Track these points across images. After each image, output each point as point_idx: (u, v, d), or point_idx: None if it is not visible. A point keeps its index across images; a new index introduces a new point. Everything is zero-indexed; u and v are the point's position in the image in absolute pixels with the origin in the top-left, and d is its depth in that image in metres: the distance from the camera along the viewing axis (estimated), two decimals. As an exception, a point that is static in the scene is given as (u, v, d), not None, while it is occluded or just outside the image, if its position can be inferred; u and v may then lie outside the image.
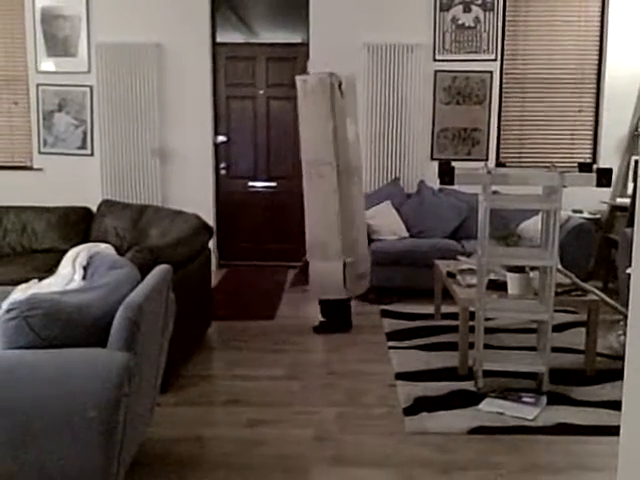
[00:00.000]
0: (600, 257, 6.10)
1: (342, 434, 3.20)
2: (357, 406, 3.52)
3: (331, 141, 4.56)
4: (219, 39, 6.75)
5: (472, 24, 6.45)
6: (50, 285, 2.67)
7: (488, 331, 4.55)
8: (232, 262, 6.95)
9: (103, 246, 2.94)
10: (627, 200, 6.08)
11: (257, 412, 3.43)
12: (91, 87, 6.65)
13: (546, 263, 3.55)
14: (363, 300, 5.61)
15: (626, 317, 4.34)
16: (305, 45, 6.63)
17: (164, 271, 2.72)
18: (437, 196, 6.25)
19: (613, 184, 6.18)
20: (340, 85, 4.60)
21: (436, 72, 6.51)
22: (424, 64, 6.44)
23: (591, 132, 6.64)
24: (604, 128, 6.53)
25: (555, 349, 4.07)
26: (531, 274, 4.00)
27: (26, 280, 2.99)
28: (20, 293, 2.68)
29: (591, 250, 5.57)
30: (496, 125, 6.60)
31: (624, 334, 4.32)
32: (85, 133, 6.75)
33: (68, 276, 2.69)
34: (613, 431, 3.17)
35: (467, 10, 6.44)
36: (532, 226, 5.64)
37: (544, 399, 3.53)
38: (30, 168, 6.81)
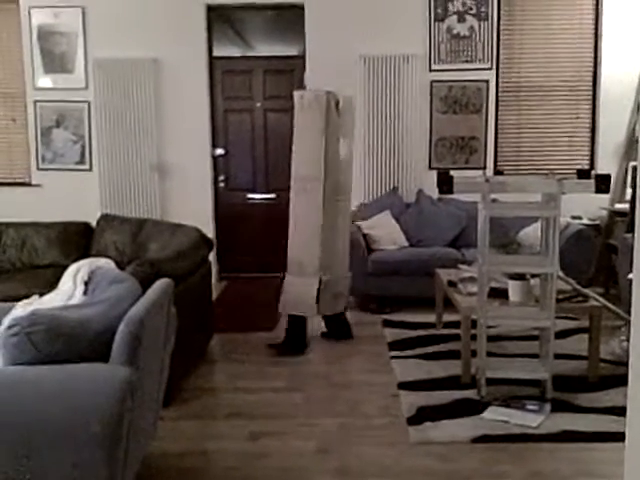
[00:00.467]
0: (600, 263, 6.10)
1: (345, 445, 3.19)
2: (360, 417, 3.51)
3: (321, 158, 4.55)
4: (216, 53, 6.79)
5: (467, 34, 6.49)
6: (51, 301, 2.67)
7: (490, 339, 4.54)
8: (232, 274, 6.94)
9: (104, 261, 2.94)
10: (626, 206, 6.09)
11: (260, 425, 3.42)
12: (89, 103, 6.67)
13: (547, 270, 3.55)
14: (364, 310, 5.61)
15: (628, 323, 4.34)
16: (301, 57, 6.66)
17: (165, 285, 2.71)
18: (436, 205, 6.26)
19: (611, 190, 6.19)
20: (337, 104, 4.61)
21: (432, 82, 6.54)
22: (420, 74, 6.47)
23: (588, 138, 6.66)
24: (601, 134, 6.55)
25: (558, 356, 4.06)
26: (532, 281, 4.00)
27: (27, 296, 2.98)
28: (21, 309, 2.68)
29: (591, 256, 5.57)
30: (493, 133, 6.62)
31: (626, 340, 4.31)
32: (83, 148, 6.76)
33: (69, 291, 2.68)
34: (618, 437, 3.15)
35: (462, 20, 6.48)
36: (532, 233, 5.65)
37: (548, 406, 3.51)
38: (29, 184, 6.82)
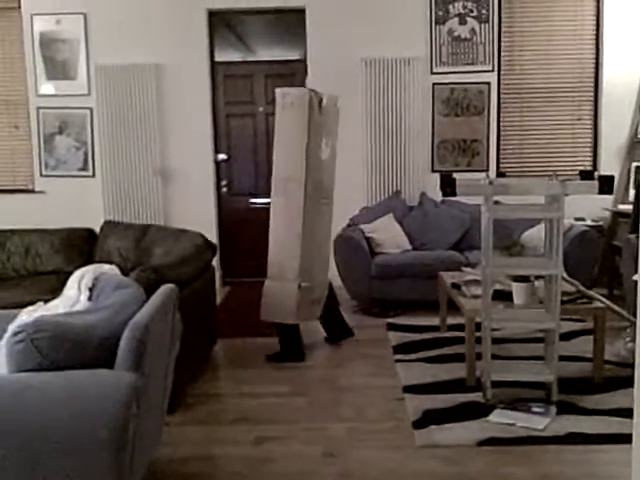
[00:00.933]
0: (604, 264, 6.09)
1: (351, 449, 3.18)
2: (365, 421, 3.50)
3: (303, 158, 4.42)
4: (217, 58, 6.80)
5: (468, 36, 6.49)
6: (56, 307, 2.67)
7: (495, 341, 4.54)
8: (235, 279, 6.94)
9: (108, 267, 2.94)
10: (629, 206, 6.08)
11: (265, 429, 3.42)
12: (91, 109, 6.69)
13: (551, 272, 3.54)
14: (368, 314, 5.61)
15: (633, 324, 4.33)
16: (303, 61, 6.67)
17: (169, 290, 2.72)
18: (439, 208, 6.26)
19: (615, 191, 6.19)
20: (320, 102, 4.50)
21: (434, 85, 6.54)
22: (422, 77, 6.47)
23: (591, 140, 6.66)
24: (603, 135, 6.55)
25: (563, 358, 4.06)
26: (536, 283, 4.00)
27: (32, 303, 2.98)
28: (26, 316, 2.68)
29: (595, 257, 5.56)
30: (495, 135, 6.62)
31: (632, 341, 4.30)
32: (86, 155, 6.78)
33: (74, 298, 2.69)
34: (624, 439, 3.15)
35: (463, 22, 6.49)
36: (535, 235, 5.64)
37: (553, 409, 3.51)
38: (32, 191, 6.84)
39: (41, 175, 6.83)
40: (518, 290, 3.92)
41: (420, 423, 3.42)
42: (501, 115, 6.64)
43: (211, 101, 6.76)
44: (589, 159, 6.68)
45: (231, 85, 6.84)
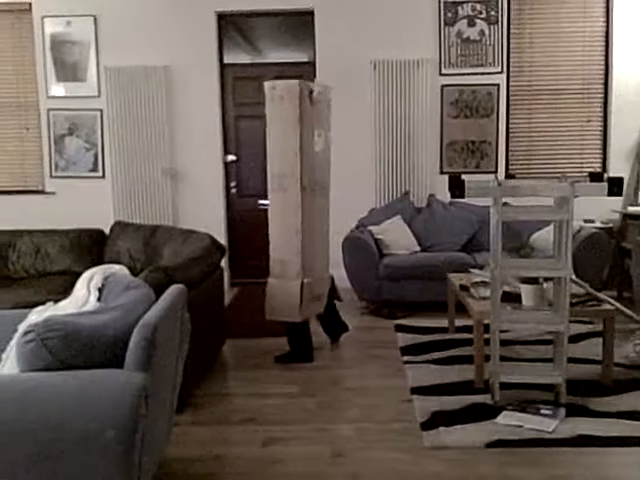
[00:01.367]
0: (613, 266, 6.07)
1: (359, 450, 3.19)
2: (373, 422, 3.51)
3: (297, 153, 4.34)
4: (226, 60, 6.83)
5: (477, 38, 6.49)
6: (66, 307, 2.68)
7: (503, 343, 4.54)
8: (244, 280, 6.96)
9: (117, 267, 2.96)
10: (639, 208, 6.06)
11: (273, 430, 3.42)
12: (101, 110, 6.73)
13: (560, 274, 3.53)
14: (376, 315, 5.61)
15: (642, 326, 4.31)
16: (312, 64, 6.69)
17: (178, 291, 2.73)
18: (447, 209, 6.25)
19: (624, 193, 6.17)
20: (311, 93, 4.41)
21: (443, 86, 6.54)
22: (431, 79, 6.47)
23: (600, 141, 6.63)
24: (613, 137, 6.53)
25: (571, 360, 4.05)
26: (545, 285, 3.99)
27: (41, 303, 3.00)
28: (36, 316, 2.70)
29: (604, 259, 5.54)
30: (504, 137, 6.61)
31: (641, 343, 4.29)
32: (96, 156, 6.81)
33: (83, 298, 2.70)
34: (634, 442, 3.14)
35: (472, 24, 6.48)
36: (544, 237, 5.63)
37: (562, 411, 3.50)
38: (42, 192, 6.88)
39: (51, 176, 6.87)
40: (527, 292, 3.91)
41: (428, 424, 3.42)
42: (510, 117, 6.63)
43: (220, 103, 6.78)
44: (598, 161, 6.66)
45: (240, 87, 6.86)
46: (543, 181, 5.78)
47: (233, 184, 6.99)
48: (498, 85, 6.52)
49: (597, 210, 6.23)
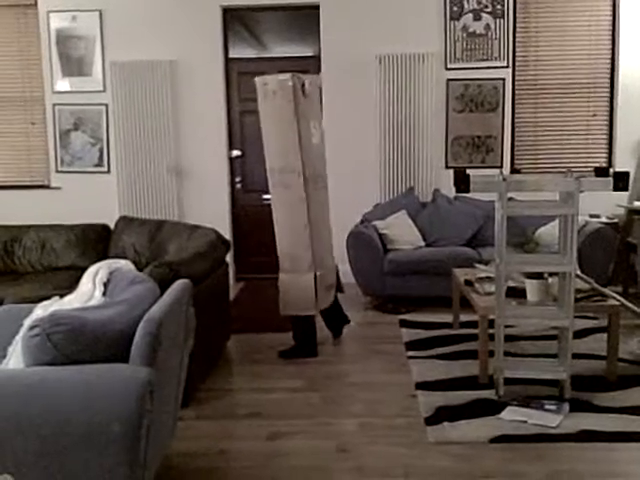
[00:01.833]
0: (619, 262, 6.05)
1: (364, 445, 3.19)
2: (378, 417, 3.51)
3: (296, 147, 4.30)
4: (231, 54, 6.82)
5: (483, 32, 6.46)
6: (71, 302, 2.70)
7: (508, 339, 4.54)
8: (249, 275, 6.97)
9: (123, 262, 2.97)
10: (645, 203, 6.04)
11: (278, 424, 3.44)
12: (106, 105, 6.74)
13: (565, 269, 3.53)
14: (381, 310, 5.61)
15: (647, 321, 4.30)
16: (317, 58, 6.68)
17: (183, 286, 2.74)
18: (452, 204, 6.24)
19: (630, 187, 6.14)
20: (303, 85, 4.36)
21: (448, 81, 6.52)
22: (436, 73, 6.46)
23: (606, 136, 6.61)
24: (619, 132, 6.51)
25: (576, 355, 4.05)
26: (550, 280, 3.98)
27: (47, 297, 3.02)
28: (42, 310, 2.71)
29: (610, 255, 5.53)
30: (510, 132, 6.59)
31: (646, 339, 4.28)
32: (101, 151, 6.82)
33: (89, 293, 2.71)
34: (637, 437, 3.14)
35: (477, 18, 6.46)
36: (549, 232, 5.62)
37: (566, 406, 3.50)
38: (48, 187, 6.90)
39: (57, 171, 6.88)
40: (532, 287, 3.91)
41: (433, 420, 3.42)
42: (515, 111, 6.61)
43: (225, 97, 6.78)
44: (604, 155, 6.63)
45: (245, 82, 6.85)
46: (548, 176, 5.78)
47: (238, 179, 6.99)
48: (504, 79, 6.50)
49: (603, 205, 6.22)
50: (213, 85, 6.70)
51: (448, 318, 5.10)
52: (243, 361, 4.51)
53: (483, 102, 6.53)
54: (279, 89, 4.30)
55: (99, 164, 6.84)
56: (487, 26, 6.46)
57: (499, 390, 3.64)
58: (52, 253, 5.15)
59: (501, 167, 6.53)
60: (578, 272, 3.89)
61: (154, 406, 2.24)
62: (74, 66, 6.75)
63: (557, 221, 5.37)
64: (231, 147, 6.93)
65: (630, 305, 4.10)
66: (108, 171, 6.83)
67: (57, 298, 2.90)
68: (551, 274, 4.03)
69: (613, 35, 6.46)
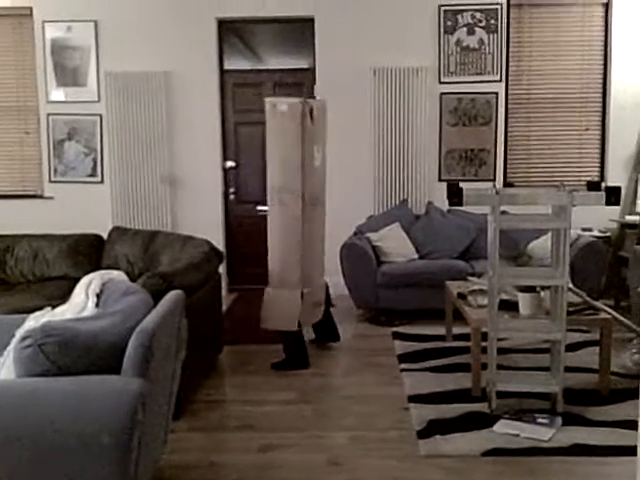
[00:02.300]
0: (611, 275, 6.07)
1: (356, 458, 3.18)
2: (370, 430, 3.50)
3: (298, 169, 4.46)
4: (226, 66, 6.84)
5: (476, 46, 6.51)
6: (63, 313, 2.69)
7: (500, 352, 4.54)
8: (242, 286, 6.96)
9: (116, 273, 2.96)
10: (636, 217, 6.08)
11: (270, 437, 3.42)
12: (101, 116, 6.74)
13: (557, 282, 3.54)
14: (374, 322, 5.61)
15: (639, 335, 4.32)
16: (311, 70, 6.71)
17: (176, 297, 2.73)
18: (446, 217, 6.26)
19: (622, 202, 6.18)
20: (311, 111, 4.51)
21: (442, 94, 6.56)
22: (430, 87, 6.49)
23: (598, 150, 6.65)
24: (611, 146, 6.55)
25: (568, 369, 4.05)
26: (542, 293, 3.99)
27: (39, 308, 3.00)
28: (34, 321, 2.70)
29: (602, 268, 5.55)
30: (503, 145, 6.63)
31: (638, 352, 4.29)
32: (95, 161, 6.82)
33: (81, 304, 2.70)
34: (630, 451, 3.14)
35: (471, 32, 6.50)
36: (542, 245, 5.64)
37: (559, 420, 3.50)
38: (41, 197, 6.88)
39: (50, 181, 6.87)
40: (524, 300, 3.92)
41: (425, 433, 3.42)
42: (508, 125, 6.65)
43: (220, 109, 6.80)
44: (596, 170, 6.67)
45: (240, 93, 6.87)
46: (541, 189, 5.80)
47: (232, 190, 6.99)
48: (497, 93, 6.54)
49: (595, 219, 6.24)
50: (208, 96, 6.72)
51: (441, 331, 5.10)
52: (235, 373, 4.49)
53: (476, 116, 6.57)
54: (288, 111, 4.43)
55: (92, 174, 6.83)
56: (481, 40, 6.50)
57: (491, 403, 3.64)
58: (44, 263, 5.13)
59: (494, 180, 6.56)
60: (570, 285, 3.90)
61: (146, 418, 2.23)
62: (69, 76, 6.75)
63: (549, 235, 5.39)
64: (225, 158, 6.93)
65: (622, 318, 4.11)
66: (102, 181, 6.82)
67: (49, 309, 2.89)
68: (543, 287, 4.05)
69: (605, 49, 6.52)
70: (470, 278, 4.89)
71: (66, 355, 2.21)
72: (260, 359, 4.68)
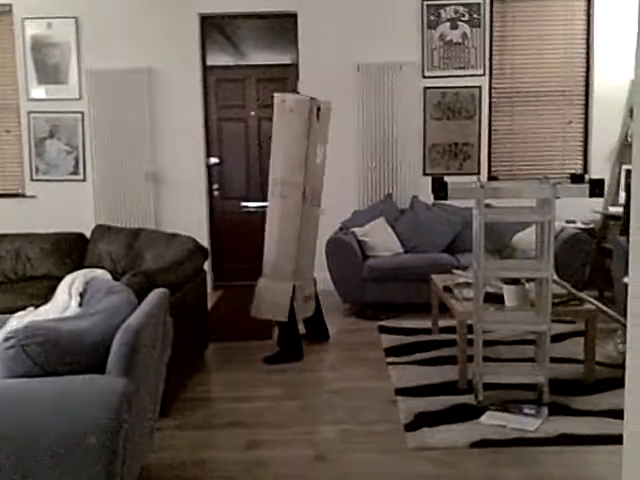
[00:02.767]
0: (595, 266, 6.12)
1: (344, 453, 3.18)
2: (358, 424, 3.51)
3: (302, 164, 4.54)
4: (209, 62, 6.80)
5: (460, 40, 6.52)
6: (47, 312, 2.66)
7: (486, 344, 4.56)
8: (227, 283, 6.94)
9: (99, 272, 2.93)
10: (619, 209, 6.12)
11: (257, 433, 3.41)
12: (82, 113, 6.68)
13: (542, 274, 3.56)
14: (360, 316, 5.61)
15: (624, 325, 4.35)
16: (295, 66, 6.68)
17: (160, 295, 2.71)
18: (431, 211, 6.27)
19: (605, 194, 6.22)
20: (318, 110, 4.59)
21: (426, 89, 6.56)
22: (414, 81, 6.50)
23: (581, 143, 6.69)
24: (594, 139, 6.59)
25: (554, 359, 4.08)
26: (527, 286, 4.01)
27: (22, 308, 2.97)
28: (16, 321, 2.67)
29: (586, 260, 5.59)
30: (487, 139, 6.65)
31: (622, 342, 4.32)
32: (77, 159, 6.76)
33: (64, 303, 2.68)
34: (615, 440, 3.17)
35: (454, 27, 6.51)
36: (526, 238, 5.67)
37: (545, 410, 3.52)
38: (23, 195, 6.82)
39: (32, 179, 6.80)
40: (509, 293, 3.94)
41: (412, 425, 3.42)
42: (492, 119, 6.67)
43: (203, 105, 6.76)
44: (580, 162, 6.71)
45: (223, 89, 6.84)
46: (525, 183, 5.83)
47: (216, 186, 6.96)
48: (480, 87, 6.56)
49: (578, 211, 6.28)
50: (191, 92, 6.68)
51: (427, 324, 5.12)
52: (221, 369, 4.48)
53: (460, 110, 6.58)
54: (296, 107, 4.51)
55: (75, 172, 6.77)
56: (464, 35, 6.51)
57: (478, 395, 3.65)
58: (27, 263, 5.08)
59: (478, 174, 6.58)
60: (555, 277, 3.92)
61: (131, 417, 2.21)
62: (49, 73, 6.68)
63: (534, 227, 5.42)
64: (209, 154, 6.90)
65: (606, 309, 4.14)
66: (84, 179, 6.77)
67: (32, 309, 2.86)
68: (528, 279, 4.07)
69: (588, 43, 6.55)
70: (455, 271, 4.91)
71: (50, 356, 2.19)
72: (246, 355, 4.67)
